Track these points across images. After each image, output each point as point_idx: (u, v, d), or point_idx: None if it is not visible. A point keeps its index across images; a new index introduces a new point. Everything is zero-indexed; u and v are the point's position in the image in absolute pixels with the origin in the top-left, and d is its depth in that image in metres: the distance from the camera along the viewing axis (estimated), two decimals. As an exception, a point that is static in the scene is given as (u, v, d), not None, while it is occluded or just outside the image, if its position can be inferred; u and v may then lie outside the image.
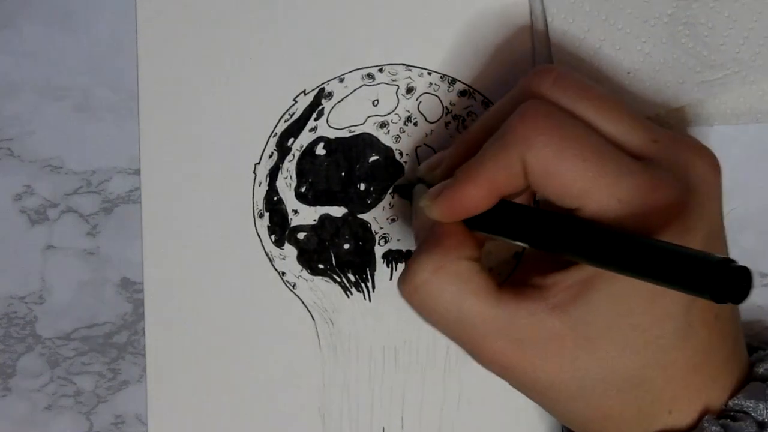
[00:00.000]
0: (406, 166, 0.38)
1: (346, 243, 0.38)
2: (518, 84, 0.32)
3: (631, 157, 0.29)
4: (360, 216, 0.38)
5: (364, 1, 0.38)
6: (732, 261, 0.23)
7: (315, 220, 0.38)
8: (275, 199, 0.39)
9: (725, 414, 0.30)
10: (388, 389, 0.39)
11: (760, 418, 0.30)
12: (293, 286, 0.39)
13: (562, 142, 0.28)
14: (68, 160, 0.39)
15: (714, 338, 0.30)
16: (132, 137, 0.39)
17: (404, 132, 0.38)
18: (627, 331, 0.29)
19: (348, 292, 0.39)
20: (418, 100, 0.38)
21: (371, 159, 0.38)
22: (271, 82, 0.38)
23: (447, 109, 0.38)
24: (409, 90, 0.38)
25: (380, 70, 0.38)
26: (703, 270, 0.23)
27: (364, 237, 0.38)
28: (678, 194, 0.28)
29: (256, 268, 0.39)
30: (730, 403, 0.30)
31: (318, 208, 0.38)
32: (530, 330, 0.29)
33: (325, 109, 0.38)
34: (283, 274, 0.39)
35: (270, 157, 0.39)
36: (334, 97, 0.38)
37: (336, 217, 0.38)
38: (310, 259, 0.39)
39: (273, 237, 0.39)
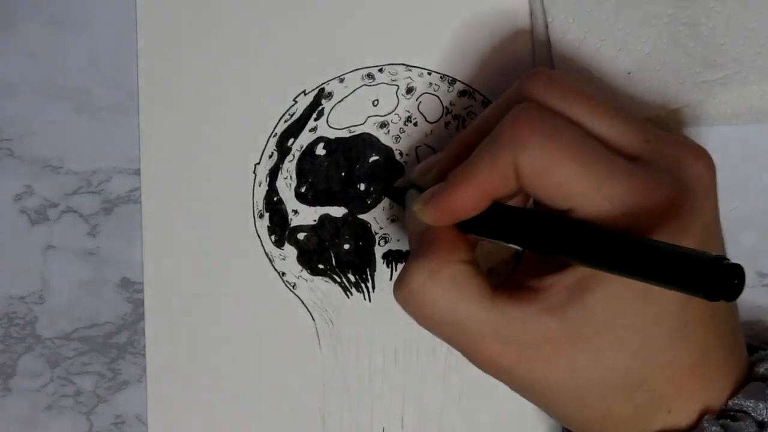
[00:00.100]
0: (406, 167, 0.38)
1: (346, 243, 0.38)
2: (510, 87, 0.32)
3: (624, 157, 0.29)
4: (360, 216, 0.38)
5: (364, 1, 0.38)
6: (724, 258, 0.23)
7: (315, 221, 0.38)
8: (275, 199, 0.39)
9: (725, 414, 0.30)
10: (388, 389, 0.39)
11: (760, 418, 0.30)
12: (293, 287, 0.39)
13: (554, 144, 0.28)
14: (68, 160, 0.39)
15: (710, 337, 0.30)
16: (132, 137, 0.39)
17: (404, 132, 0.38)
18: (623, 331, 0.28)
19: (348, 293, 0.39)
20: (418, 100, 0.38)
21: (371, 159, 0.38)
22: (271, 83, 0.38)
23: (447, 109, 0.38)
24: (409, 90, 0.38)
25: (380, 70, 0.38)
26: (695, 268, 0.23)
27: (364, 237, 0.38)
28: (672, 194, 0.28)
29: (256, 269, 0.39)
30: (729, 402, 0.30)
31: (318, 208, 0.38)
32: (526, 332, 0.29)
33: (325, 109, 0.38)
34: (283, 274, 0.39)
35: (270, 157, 0.39)
36: (334, 97, 0.38)
37: (336, 218, 0.38)
38: (310, 260, 0.39)
39: (273, 237, 0.39)
